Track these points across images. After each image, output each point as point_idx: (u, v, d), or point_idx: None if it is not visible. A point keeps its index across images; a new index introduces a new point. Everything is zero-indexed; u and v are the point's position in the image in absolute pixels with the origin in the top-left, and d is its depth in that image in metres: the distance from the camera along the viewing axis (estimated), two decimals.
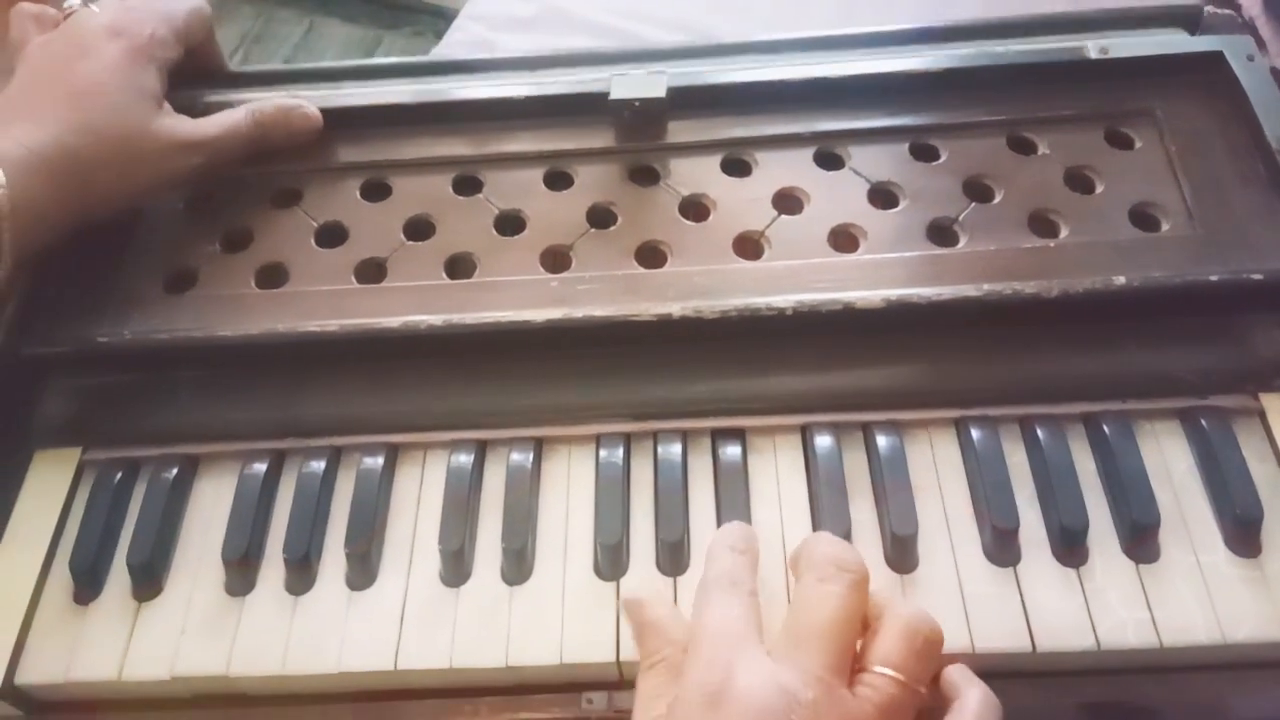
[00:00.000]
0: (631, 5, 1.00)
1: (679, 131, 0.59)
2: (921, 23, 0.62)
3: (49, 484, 0.52)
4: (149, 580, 0.49)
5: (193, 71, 0.61)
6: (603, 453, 0.50)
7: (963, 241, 0.53)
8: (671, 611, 0.44)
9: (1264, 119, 0.54)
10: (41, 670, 0.47)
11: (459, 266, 0.55)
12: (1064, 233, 0.53)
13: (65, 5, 0.58)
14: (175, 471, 0.51)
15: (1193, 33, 0.61)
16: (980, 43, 0.61)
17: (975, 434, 0.49)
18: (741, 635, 0.40)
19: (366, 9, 1.95)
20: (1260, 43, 0.77)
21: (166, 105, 0.56)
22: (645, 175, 0.58)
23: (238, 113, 0.57)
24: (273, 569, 0.49)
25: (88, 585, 0.49)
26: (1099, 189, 0.54)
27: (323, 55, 1.89)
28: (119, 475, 0.52)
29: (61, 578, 0.50)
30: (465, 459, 0.51)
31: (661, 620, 0.43)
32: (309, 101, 0.60)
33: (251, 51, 1.90)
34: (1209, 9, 0.78)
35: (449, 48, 1.03)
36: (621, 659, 0.45)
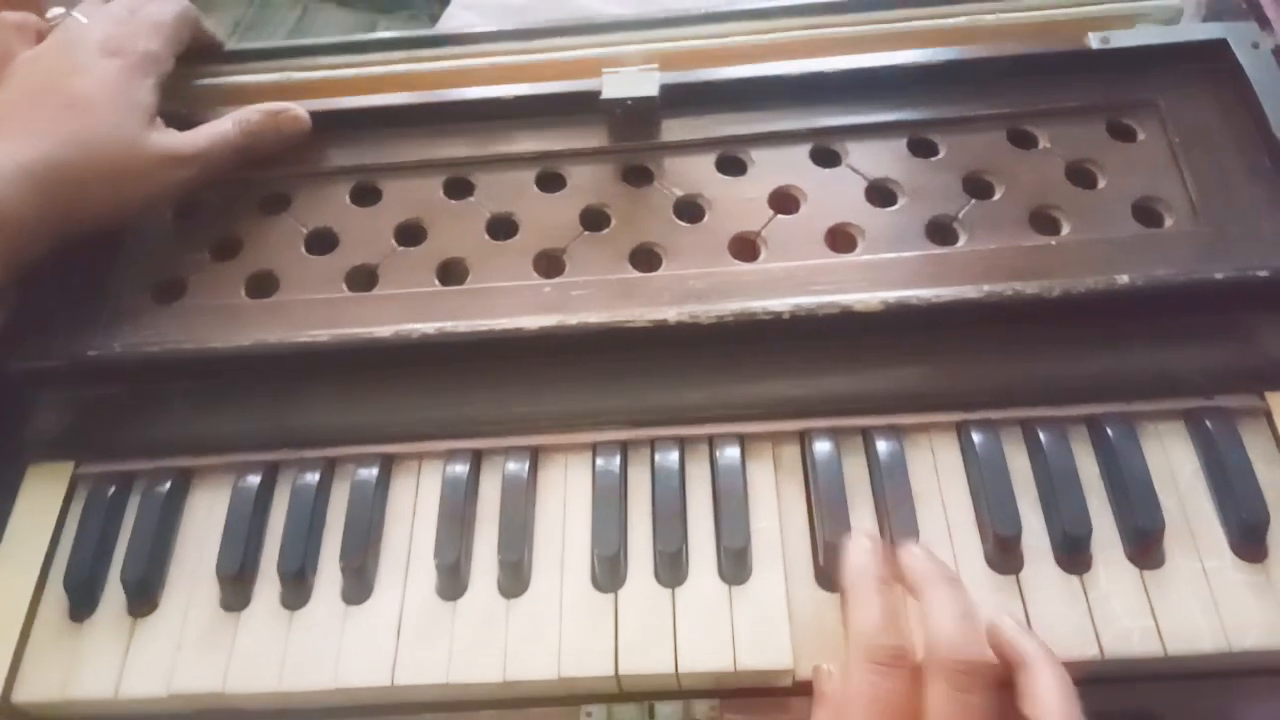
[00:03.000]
0: None
1: (673, 130, 0.58)
2: None
3: (43, 499, 0.52)
4: (144, 596, 0.48)
5: (189, 56, 0.61)
6: (599, 461, 0.50)
7: (962, 240, 0.52)
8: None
9: (1269, 109, 0.53)
10: (38, 688, 0.47)
11: (451, 272, 0.54)
12: (1066, 229, 0.52)
13: (50, 15, 0.57)
14: (169, 485, 0.51)
15: None
16: (971, 7, 0.60)
17: (977, 438, 0.48)
18: None
19: None
20: (1264, 22, 0.76)
21: (158, 120, 0.55)
22: (639, 175, 0.57)
23: (224, 122, 0.57)
24: (268, 583, 0.49)
25: (83, 602, 0.49)
26: (1101, 183, 0.53)
27: None
28: (112, 489, 0.51)
29: (57, 594, 0.49)
30: (461, 469, 0.50)
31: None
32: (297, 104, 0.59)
33: (245, 38, 1.88)
34: None
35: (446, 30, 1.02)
36: (620, 672, 0.45)
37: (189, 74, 0.62)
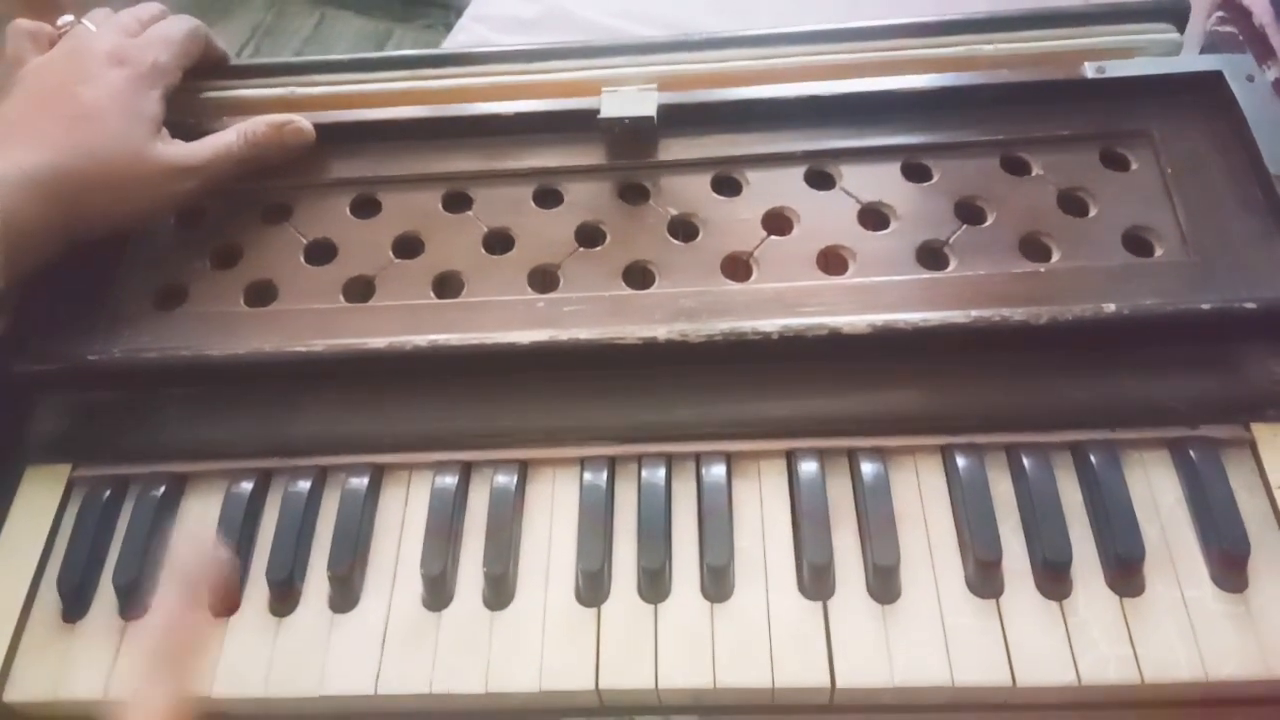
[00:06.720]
0: (633, 7, 0.99)
1: (670, 149, 0.58)
2: (908, 19, 0.61)
3: (39, 500, 0.53)
4: (135, 600, 0.49)
5: (197, 72, 0.62)
6: (587, 476, 0.50)
7: (953, 265, 0.52)
8: None
9: (1262, 142, 0.53)
10: (30, 688, 0.48)
11: (447, 285, 0.55)
12: (1056, 256, 0.52)
13: (60, 22, 0.58)
14: (163, 490, 0.52)
15: (1181, 29, 0.60)
16: (969, 38, 0.60)
17: (961, 462, 0.49)
18: None
19: (378, 1, 1.95)
20: (1269, 52, 0.76)
21: (164, 131, 0.56)
22: (635, 193, 0.58)
23: (229, 134, 0.57)
24: (257, 590, 0.49)
25: (75, 604, 0.50)
26: (1092, 211, 0.54)
27: (333, 48, 1.90)
28: (107, 493, 0.52)
29: (50, 595, 0.50)
30: (450, 480, 0.51)
31: None
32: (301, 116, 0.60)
33: (263, 43, 1.90)
34: (1215, 17, 0.77)
35: (451, 48, 1.03)
36: (601, 686, 0.45)
37: (196, 87, 0.63)
